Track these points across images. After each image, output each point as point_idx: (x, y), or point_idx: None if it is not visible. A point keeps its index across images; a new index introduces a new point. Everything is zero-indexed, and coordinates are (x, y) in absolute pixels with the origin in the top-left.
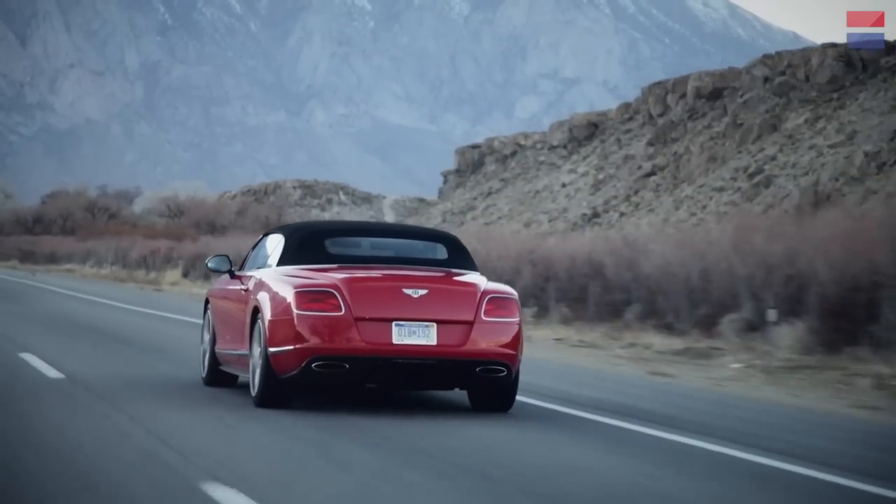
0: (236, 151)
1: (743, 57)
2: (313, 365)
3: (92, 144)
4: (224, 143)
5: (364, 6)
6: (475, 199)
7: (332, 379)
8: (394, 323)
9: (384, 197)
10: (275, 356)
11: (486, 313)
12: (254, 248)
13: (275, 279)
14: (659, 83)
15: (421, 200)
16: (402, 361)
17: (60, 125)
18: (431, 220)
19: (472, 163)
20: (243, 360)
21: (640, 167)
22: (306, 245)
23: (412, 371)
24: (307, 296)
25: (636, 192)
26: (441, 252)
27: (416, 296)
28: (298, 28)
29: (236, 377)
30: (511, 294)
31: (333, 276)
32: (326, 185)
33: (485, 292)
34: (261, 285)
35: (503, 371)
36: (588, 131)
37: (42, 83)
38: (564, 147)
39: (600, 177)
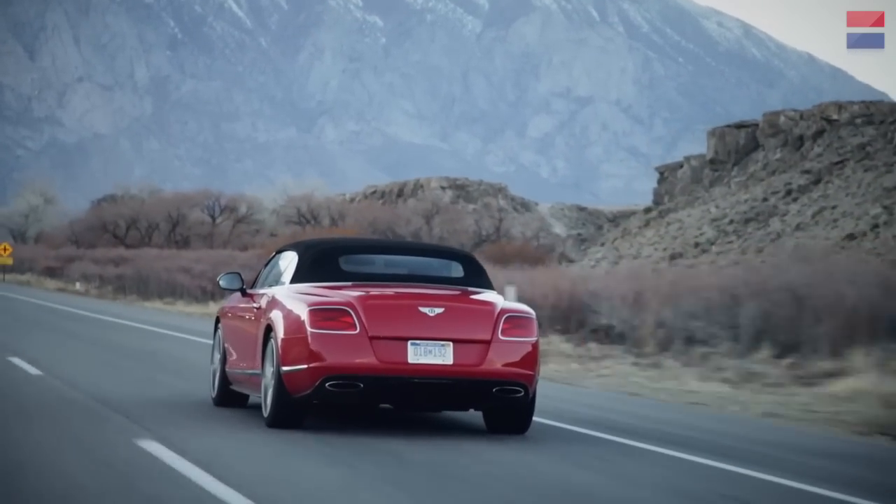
0: (246, 168)
1: (758, 77)
2: (327, 384)
3: (100, 159)
4: (234, 159)
5: (376, 22)
6: (765, 199)
7: (346, 398)
8: (409, 342)
9: (537, 203)
10: (287, 375)
11: (503, 332)
12: (266, 265)
13: (288, 297)
14: None
15: (581, 209)
16: (418, 381)
17: (68, 139)
18: (688, 231)
19: (736, 149)
20: (255, 380)
21: None
22: (320, 262)
23: (428, 391)
24: (321, 314)
25: None
26: (457, 270)
27: (431, 314)
28: (309, 44)
29: (247, 397)
30: (529, 313)
31: (348, 294)
32: (482, 187)
33: (502, 311)
34: (274, 303)
35: (520, 392)
36: None
37: (50, 97)
38: None
39: None
